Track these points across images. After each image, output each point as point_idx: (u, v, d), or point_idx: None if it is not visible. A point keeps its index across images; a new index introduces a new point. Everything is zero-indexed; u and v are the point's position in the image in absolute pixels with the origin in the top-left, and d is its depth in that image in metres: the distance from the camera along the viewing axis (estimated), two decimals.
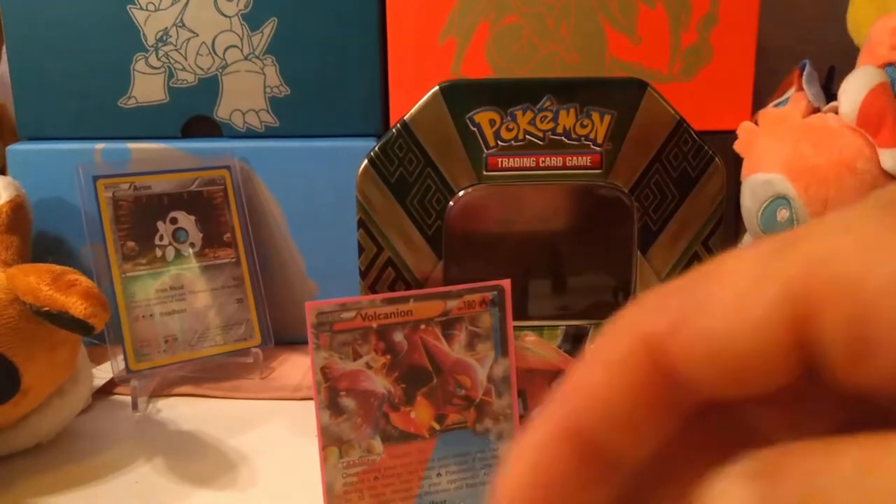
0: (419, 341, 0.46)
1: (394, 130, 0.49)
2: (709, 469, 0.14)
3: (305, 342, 0.46)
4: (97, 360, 0.73)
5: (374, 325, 0.46)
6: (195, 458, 0.61)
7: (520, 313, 0.52)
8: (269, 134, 0.79)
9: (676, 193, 0.50)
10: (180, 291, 0.72)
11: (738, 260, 0.15)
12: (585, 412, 0.15)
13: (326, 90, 0.78)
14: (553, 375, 0.51)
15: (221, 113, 0.79)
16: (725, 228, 0.51)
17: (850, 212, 0.14)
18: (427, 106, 0.49)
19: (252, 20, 0.77)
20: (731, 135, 0.81)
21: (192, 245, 0.74)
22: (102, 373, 0.72)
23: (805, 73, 0.79)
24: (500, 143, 0.49)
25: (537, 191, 0.52)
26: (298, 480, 0.58)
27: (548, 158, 0.49)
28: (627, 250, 0.51)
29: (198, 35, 0.77)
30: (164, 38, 0.76)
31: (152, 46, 0.77)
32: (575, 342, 0.51)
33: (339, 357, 0.45)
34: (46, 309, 0.57)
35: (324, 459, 0.45)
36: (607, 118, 0.49)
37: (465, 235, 0.52)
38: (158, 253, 0.72)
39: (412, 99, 0.49)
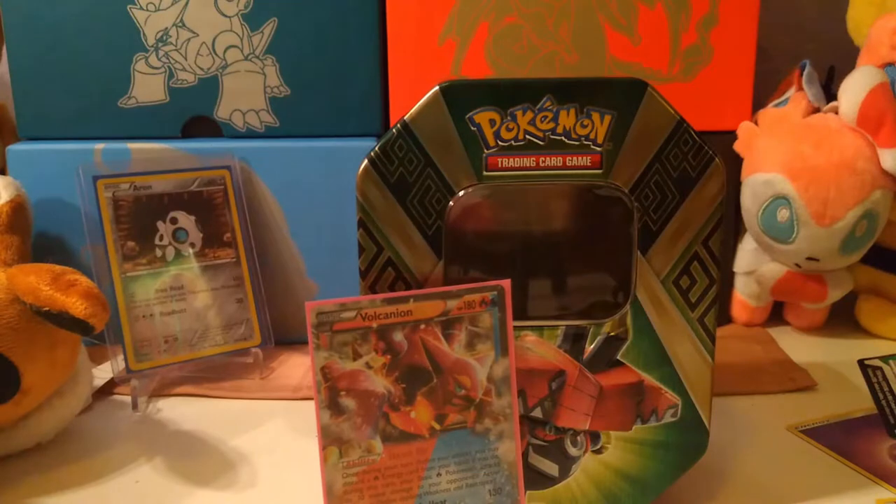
0: (419, 341, 0.46)
1: (394, 130, 0.49)
2: None
3: (305, 342, 0.46)
4: (97, 360, 0.73)
5: (374, 325, 0.46)
6: (195, 458, 0.61)
7: (520, 313, 0.52)
8: (269, 134, 0.79)
9: (676, 193, 0.50)
10: (180, 291, 0.72)
11: None
12: None
13: (326, 90, 0.78)
14: (553, 375, 0.51)
15: (221, 113, 0.79)
16: (725, 228, 0.51)
17: None
18: (427, 106, 0.49)
19: (252, 20, 0.77)
20: (731, 135, 0.81)
21: (192, 245, 0.74)
22: (102, 373, 0.72)
23: (805, 73, 0.79)
24: (500, 143, 0.49)
25: (537, 191, 0.52)
26: (298, 480, 0.58)
27: (548, 158, 0.49)
28: (627, 250, 0.51)
29: (198, 35, 0.77)
30: (165, 38, 0.77)
31: (152, 46, 0.77)
32: (575, 342, 0.51)
33: (339, 357, 0.45)
34: (46, 309, 0.57)
35: (324, 459, 0.45)
36: (607, 118, 0.49)
37: (465, 235, 0.52)
38: (158, 253, 0.72)
39: (412, 99, 0.49)
